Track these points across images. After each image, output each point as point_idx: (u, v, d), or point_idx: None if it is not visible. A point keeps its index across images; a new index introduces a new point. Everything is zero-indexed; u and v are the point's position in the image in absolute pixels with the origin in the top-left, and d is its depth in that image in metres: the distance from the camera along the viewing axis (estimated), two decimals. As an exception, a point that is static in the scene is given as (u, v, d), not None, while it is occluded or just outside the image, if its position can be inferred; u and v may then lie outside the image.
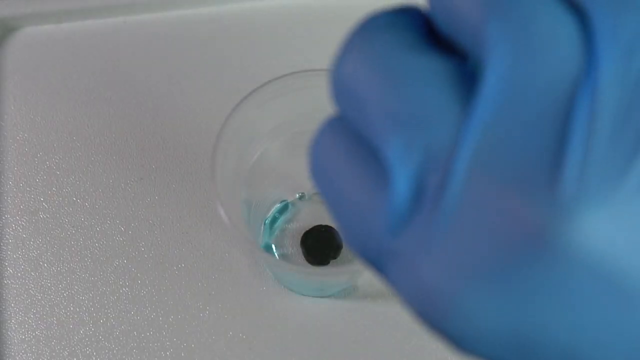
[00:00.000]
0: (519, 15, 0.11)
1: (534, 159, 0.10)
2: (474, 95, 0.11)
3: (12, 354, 0.31)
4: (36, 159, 0.35)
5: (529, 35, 0.11)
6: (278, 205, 0.34)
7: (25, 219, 0.34)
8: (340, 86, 0.12)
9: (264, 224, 0.33)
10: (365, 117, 0.12)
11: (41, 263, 0.33)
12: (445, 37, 0.12)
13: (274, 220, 0.33)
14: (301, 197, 0.34)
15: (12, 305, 0.32)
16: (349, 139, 0.13)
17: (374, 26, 0.12)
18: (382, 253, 0.12)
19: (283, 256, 0.33)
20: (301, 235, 0.33)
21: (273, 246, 0.33)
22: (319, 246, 0.33)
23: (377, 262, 0.12)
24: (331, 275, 0.30)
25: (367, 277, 0.33)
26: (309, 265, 0.33)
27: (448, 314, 0.11)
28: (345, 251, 0.33)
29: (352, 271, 0.29)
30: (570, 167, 0.10)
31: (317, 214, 0.34)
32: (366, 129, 0.12)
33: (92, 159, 0.35)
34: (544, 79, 0.10)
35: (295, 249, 0.33)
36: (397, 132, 0.11)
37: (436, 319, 0.11)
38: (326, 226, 0.33)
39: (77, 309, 0.32)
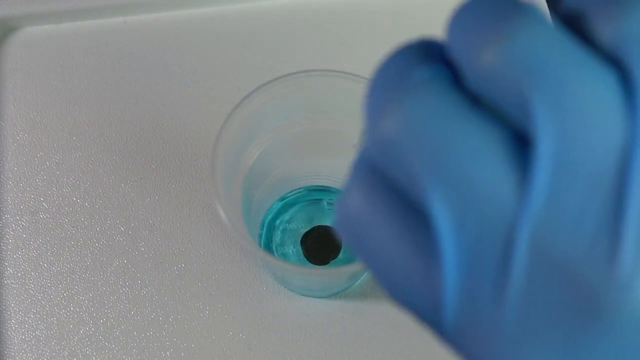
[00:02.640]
0: (563, 85, 0.11)
1: (592, 234, 0.11)
2: (528, 171, 0.11)
3: (12, 354, 0.31)
4: (36, 159, 0.35)
5: (576, 107, 0.11)
6: (278, 205, 0.34)
7: (25, 219, 0.34)
8: (382, 141, 0.12)
9: (264, 224, 0.33)
10: (414, 183, 0.12)
11: (41, 263, 0.33)
12: (475, 93, 0.12)
13: (273, 220, 0.33)
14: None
15: (12, 305, 0.32)
16: (388, 196, 0.12)
17: (417, 80, 0.12)
18: (440, 321, 0.12)
19: (283, 256, 0.33)
20: (301, 235, 0.33)
21: (273, 246, 0.33)
22: (319, 246, 0.33)
23: (433, 325, 0.13)
24: (331, 275, 0.30)
25: (367, 277, 0.33)
26: (309, 265, 0.33)
27: None
28: (345, 251, 0.33)
29: (352, 271, 0.29)
30: (626, 242, 0.10)
31: (317, 214, 0.34)
32: (414, 193, 0.12)
33: (92, 159, 0.35)
34: (595, 153, 0.11)
35: (295, 249, 0.33)
36: (451, 203, 0.11)
37: None
38: (326, 226, 0.33)
39: (77, 309, 0.32)
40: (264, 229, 0.33)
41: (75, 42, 0.38)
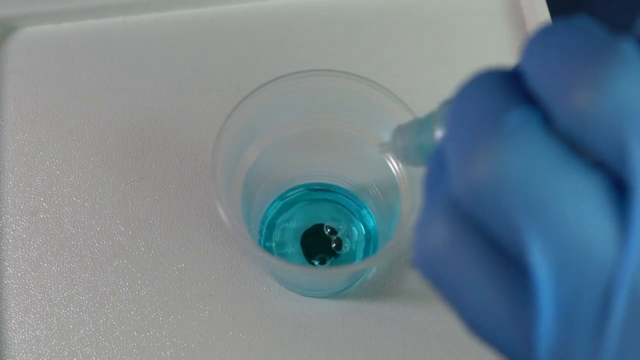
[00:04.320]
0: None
1: None
2: (627, 219, 0.11)
3: (12, 354, 0.31)
4: (36, 159, 0.35)
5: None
6: (278, 205, 0.34)
7: (25, 219, 0.34)
8: (475, 188, 0.12)
9: (264, 223, 0.33)
10: (510, 229, 0.12)
11: (41, 263, 0.33)
12: (566, 135, 0.12)
13: (273, 219, 0.33)
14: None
15: (12, 305, 0.32)
16: (475, 237, 0.12)
17: (508, 126, 0.12)
18: (525, 356, 0.12)
19: (283, 256, 0.33)
20: (301, 234, 0.33)
21: (273, 246, 0.33)
22: (319, 246, 0.33)
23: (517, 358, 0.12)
24: (331, 275, 0.30)
25: (367, 277, 0.33)
26: (309, 265, 0.33)
27: None
28: (345, 252, 0.33)
29: (352, 271, 0.29)
30: None
31: (317, 214, 0.34)
32: (508, 239, 0.12)
33: (92, 159, 0.35)
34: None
35: (295, 248, 0.33)
36: (550, 253, 0.11)
37: None
38: (326, 226, 0.33)
39: (77, 309, 0.32)
40: (264, 229, 0.33)
41: (75, 42, 0.38)
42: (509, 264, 0.12)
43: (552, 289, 0.11)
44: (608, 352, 0.11)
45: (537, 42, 0.12)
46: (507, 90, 0.12)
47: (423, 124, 0.19)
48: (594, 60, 0.11)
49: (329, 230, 0.33)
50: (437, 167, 0.14)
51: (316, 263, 0.33)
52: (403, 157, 0.21)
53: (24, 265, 0.33)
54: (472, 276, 0.12)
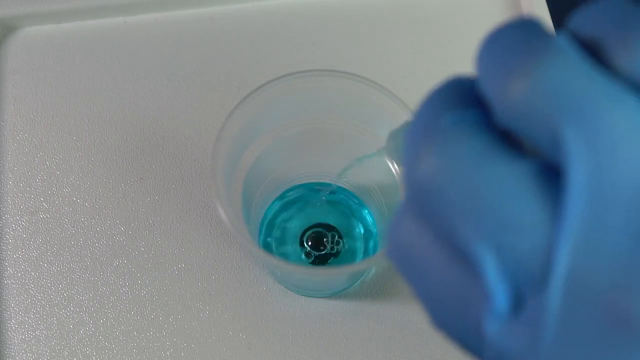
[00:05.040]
0: (592, 117, 0.11)
1: (629, 263, 0.11)
2: (560, 203, 0.11)
3: (12, 354, 0.31)
4: (36, 159, 0.35)
5: (609, 137, 0.11)
6: (278, 205, 0.34)
7: (25, 219, 0.34)
8: (418, 186, 0.13)
9: (264, 223, 0.33)
10: (452, 222, 0.12)
11: (41, 263, 0.33)
12: (504, 127, 0.12)
13: (273, 219, 0.33)
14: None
15: (12, 305, 0.32)
16: (430, 232, 0.13)
17: (443, 126, 0.12)
18: (478, 344, 0.13)
19: (283, 255, 0.33)
20: (301, 234, 0.33)
21: (273, 246, 0.33)
22: (319, 245, 0.33)
23: (476, 353, 0.13)
24: (331, 275, 0.30)
25: (367, 277, 0.33)
26: (309, 265, 0.33)
27: None
28: (345, 251, 0.33)
29: (352, 271, 0.29)
30: None
31: (317, 214, 0.34)
32: (453, 232, 0.12)
33: (92, 159, 0.35)
34: (628, 182, 0.11)
35: (294, 248, 0.33)
36: (489, 243, 0.12)
37: None
38: (326, 225, 0.33)
39: (77, 309, 0.32)
40: (264, 228, 0.33)
41: (75, 42, 0.38)
42: (461, 257, 0.13)
43: (495, 273, 0.12)
44: (548, 327, 0.11)
45: (484, 46, 0.13)
46: (452, 95, 0.13)
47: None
48: (528, 54, 0.11)
49: (328, 229, 0.33)
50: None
51: (316, 263, 0.33)
52: (400, 160, 0.21)
53: (24, 265, 0.33)
54: (433, 266, 0.13)
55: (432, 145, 0.12)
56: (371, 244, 0.33)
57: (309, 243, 0.33)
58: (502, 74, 0.12)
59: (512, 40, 0.12)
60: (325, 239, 0.33)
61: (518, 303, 0.12)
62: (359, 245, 0.33)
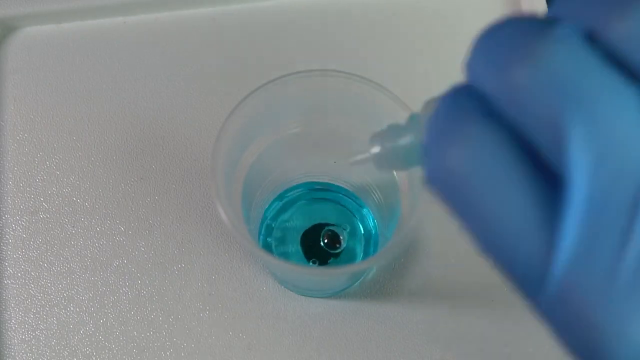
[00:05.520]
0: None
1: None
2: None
3: (12, 354, 0.31)
4: (36, 159, 0.35)
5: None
6: (278, 205, 0.34)
7: (25, 219, 0.34)
8: (515, 87, 0.12)
9: (264, 223, 0.33)
10: (550, 124, 0.12)
11: (41, 263, 0.33)
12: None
13: (273, 219, 0.33)
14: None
15: (12, 305, 0.32)
16: (503, 146, 0.12)
17: (547, 31, 0.12)
18: (538, 275, 0.12)
19: (283, 255, 0.33)
20: (301, 234, 0.33)
21: (273, 246, 0.33)
22: (319, 245, 0.33)
23: (528, 278, 0.12)
24: (331, 275, 0.30)
25: (367, 277, 0.33)
26: (309, 265, 0.33)
27: (614, 350, 0.11)
28: (345, 251, 0.33)
29: (352, 271, 0.29)
30: None
31: (317, 213, 0.34)
32: (545, 137, 0.12)
33: (92, 159, 0.35)
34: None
35: (295, 248, 0.33)
36: (590, 145, 0.11)
37: (597, 352, 0.11)
38: (326, 225, 0.33)
39: (77, 309, 0.32)
40: (264, 228, 0.33)
41: (75, 42, 0.38)
42: (539, 171, 0.12)
43: (587, 186, 0.11)
44: (632, 259, 0.11)
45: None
46: (542, 19, 0.13)
47: (406, 127, 0.19)
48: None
49: (326, 241, 0.33)
50: (456, 95, 0.14)
51: (316, 263, 0.33)
52: (383, 164, 0.20)
53: (24, 265, 0.33)
54: (497, 189, 0.12)
55: (548, 46, 0.12)
56: (371, 244, 0.33)
57: (325, 241, 0.32)
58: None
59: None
60: (341, 237, 0.33)
61: (601, 231, 0.11)
62: (359, 245, 0.33)
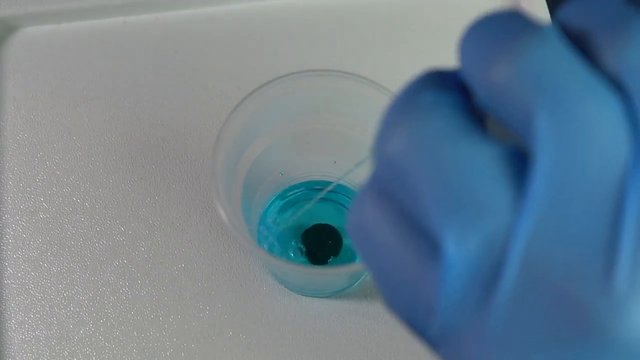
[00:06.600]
0: (566, 104, 0.11)
1: (587, 253, 0.11)
2: (524, 187, 0.11)
3: (12, 354, 0.31)
4: (36, 159, 0.35)
5: (577, 127, 0.11)
6: (278, 205, 0.34)
7: (25, 219, 0.34)
8: (387, 162, 0.13)
9: (264, 223, 0.33)
10: (415, 200, 0.12)
11: (41, 263, 0.33)
12: (484, 109, 0.13)
13: (273, 219, 0.33)
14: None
15: (12, 305, 0.32)
16: (392, 209, 0.13)
17: (420, 105, 0.13)
18: (429, 327, 0.13)
19: (283, 255, 0.33)
20: (301, 234, 0.33)
21: (273, 245, 0.33)
22: (319, 245, 0.33)
23: (422, 332, 0.13)
24: (331, 275, 0.30)
25: (367, 277, 0.33)
26: (309, 264, 0.33)
27: None
28: (346, 251, 0.33)
29: (352, 271, 0.29)
30: (622, 262, 0.11)
31: (318, 213, 0.34)
32: (415, 209, 0.12)
33: (92, 159, 0.35)
34: (593, 172, 0.11)
35: (295, 248, 0.33)
36: (451, 220, 0.12)
37: None
38: (326, 225, 0.33)
39: (77, 309, 0.32)
40: (264, 229, 0.33)
41: (75, 42, 0.38)
42: (421, 235, 0.13)
43: (452, 253, 0.12)
44: (498, 311, 0.11)
45: (471, 30, 0.13)
46: (432, 80, 0.13)
47: None
48: (515, 38, 0.12)
49: (329, 229, 0.33)
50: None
51: (316, 263, 0.33)
52: None
53: (24, 265, 0.33)
54: (389, 246, 0.13)
55: (405, 122, 0.12)
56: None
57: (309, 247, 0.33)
58: (486, 55, 0.12)
59: (499, 25, 0.12)
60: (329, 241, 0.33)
61: (472, 282, 0.12)
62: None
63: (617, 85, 0.11)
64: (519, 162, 0.12)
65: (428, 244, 0.12)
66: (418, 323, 0.13)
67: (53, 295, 0.32)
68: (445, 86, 0.13)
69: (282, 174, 0.32)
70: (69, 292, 0.32)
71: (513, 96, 0.11)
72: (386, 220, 0.13)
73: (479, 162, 0.12)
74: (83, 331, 0.31)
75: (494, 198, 0.11)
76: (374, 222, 0.13)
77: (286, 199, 0.34)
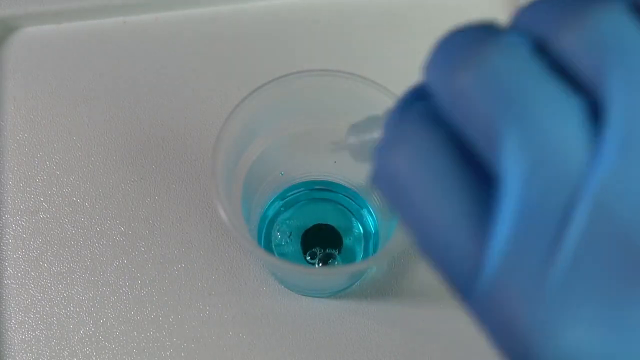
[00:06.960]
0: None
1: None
2: (600, 137, 0.11)
3: (12, 354, 0.31)
4: (36, 159, 0.35)
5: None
6: (278, 205, 0.34)
7: (25, 219, 0.34)
8: (460, 92, 0.12)
9: (264, 223, 0.33)
10: (488, 130, 0.12)
11: (41, 263, 0.33)
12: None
13: (273, 219, 0.33)
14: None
15: (12, 305, 0.32)
16: (445, 150, 0.13)
17: (499, 42, 0.12)
18: (470, 275, 0.12)
19: (283, 255, 0.33)
20: (301, 234, 0.33)
21: (273, 245, 0.33)
22: (319, 245, 0.33)
23: (461, 278, 0.12)
24: (331, 275, 0.30)
25: (367, 277, 0.33)
26: (309, 265, 0.33)
27: (542, 353, 0.11)
28: (346, 251, 0.33)
29: (352, 271, 0.29)
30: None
31: (317, 213, 0.34)
32: (483, 143, 0.12)
33: (92, 159, 0.35)
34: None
35: (295, 248, 0.33)
36: (524, 153, 0.11)
37: (526, 356, 0.12)
38: (326, 225, 0.33)
39: (77, 309, 0.32)
40: (264, 228, 0.33)
41: (75, 42, 0.38)
42: (477, 176, 0.12)
43: (519, 191, 0.11)
44: (562, 263, 0.11)
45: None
46: (497, 28, 0.13)
47: (381, 120, 0.19)
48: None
49: (329, 229, 0.33)
50: (409, 97, 0.14)
51: (316, 263, 0.33)
52: (358, 154, 0.20)
53: (24, 265, 0.33)
54: (435, 190, 0.12)
55: (491, 53, 0.12)
56: (371, 244, 0.33)
57: (320, 264, 0.33)
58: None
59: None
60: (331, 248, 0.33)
61: (531, 234, 0.11)
62: (359, 245, 0.33)
63: (576, 82, 0.11)
64: (593, 115, 0.11)
65: (486, 186, 0.12)
66: (461, 273, 0.12)
67: (53, 295, 0.32)
68: (521, 34, 0.12)
69: (282, 174, 0.32)
70: (69, 292, 0.32)
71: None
72: (437, 158, 0.12)
73: (562, 104, 0.11)
74: (83, 331, 0.31)
75: (573, 141, 0.11)
76: (419, 163, 0.13)
77: (286, 199, 0.34)
